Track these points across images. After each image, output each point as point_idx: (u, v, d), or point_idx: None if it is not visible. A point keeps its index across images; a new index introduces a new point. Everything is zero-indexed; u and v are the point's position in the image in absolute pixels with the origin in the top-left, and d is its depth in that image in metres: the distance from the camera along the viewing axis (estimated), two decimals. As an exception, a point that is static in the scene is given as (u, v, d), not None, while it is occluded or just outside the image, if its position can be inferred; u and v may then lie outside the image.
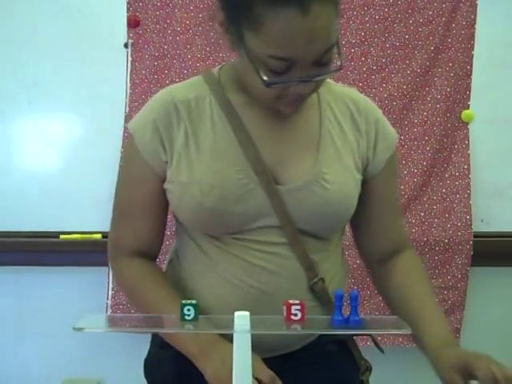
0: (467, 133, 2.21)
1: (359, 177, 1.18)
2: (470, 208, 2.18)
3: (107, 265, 2.15)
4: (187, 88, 1.18)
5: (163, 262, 1.32)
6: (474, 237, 2.18)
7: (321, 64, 1.02)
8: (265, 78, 1.01)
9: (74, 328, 0.89)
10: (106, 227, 2.15)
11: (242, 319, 0.88)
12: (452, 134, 2.20)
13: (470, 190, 2.19)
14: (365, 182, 1.20)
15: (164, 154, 1.14)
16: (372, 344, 1.30)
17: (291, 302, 0.92)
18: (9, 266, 2.23)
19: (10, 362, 2.30)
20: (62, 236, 2.20)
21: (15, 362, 2.30)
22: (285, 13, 0.95)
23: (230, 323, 0.89)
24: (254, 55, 1.01)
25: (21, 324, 2.28)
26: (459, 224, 2.17)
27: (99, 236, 2.19)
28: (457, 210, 2.18)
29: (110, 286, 2.16)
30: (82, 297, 2.20)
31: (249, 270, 1.12)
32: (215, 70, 1.21)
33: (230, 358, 0.90)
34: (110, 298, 2.16)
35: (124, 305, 2.16)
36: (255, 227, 1.12)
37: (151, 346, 1.31)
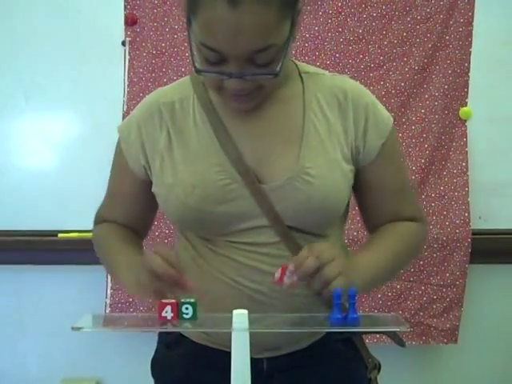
0: (465, 130, 2.21)
1: (349, 168, 1.13)
2: (468, 205, 2.18)
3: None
4: (174, 90, 1.19)
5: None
6: (473, 234, 2.17)
7: (255, 64, 0.99)
8: (196, 64, 1.02)
9: (72, 328, 0.89)
10: (104, 226, 2.17)
11: (240, 317, 0.88)
12: (450, 132, 2.20)
13: (468, 187, 2.19)
14: (359, 172, 1.16)
15: (143, 158, 1.16)
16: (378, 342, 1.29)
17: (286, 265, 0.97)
18: (7, 265, 2.22)
19: (8, 361, 2.30)
20: (60, 235, 2.20)
21: (14, 361, 2.30)
22: (214, 1, 0.94)
23: (229, 321, 0.89)
24: (192, 41, 1.01)
25: (19, 323, 2.28)
26: (457, 221, 2.17)
27: (97, 234, 2.19)
28: (455, 208, 2.18)
29: (109, 284, 2.16)
30: (80, 295, 2.20)
31: (241, 271, 1.11)
32: None
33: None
34: (108, 296, 2.16)
35: (123, 303, 2.16)
36: (245, 228, 1.11)
37: (158, 345, 1.30)
